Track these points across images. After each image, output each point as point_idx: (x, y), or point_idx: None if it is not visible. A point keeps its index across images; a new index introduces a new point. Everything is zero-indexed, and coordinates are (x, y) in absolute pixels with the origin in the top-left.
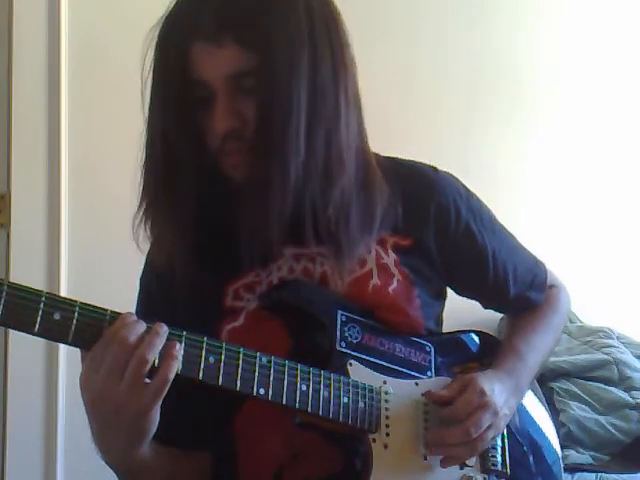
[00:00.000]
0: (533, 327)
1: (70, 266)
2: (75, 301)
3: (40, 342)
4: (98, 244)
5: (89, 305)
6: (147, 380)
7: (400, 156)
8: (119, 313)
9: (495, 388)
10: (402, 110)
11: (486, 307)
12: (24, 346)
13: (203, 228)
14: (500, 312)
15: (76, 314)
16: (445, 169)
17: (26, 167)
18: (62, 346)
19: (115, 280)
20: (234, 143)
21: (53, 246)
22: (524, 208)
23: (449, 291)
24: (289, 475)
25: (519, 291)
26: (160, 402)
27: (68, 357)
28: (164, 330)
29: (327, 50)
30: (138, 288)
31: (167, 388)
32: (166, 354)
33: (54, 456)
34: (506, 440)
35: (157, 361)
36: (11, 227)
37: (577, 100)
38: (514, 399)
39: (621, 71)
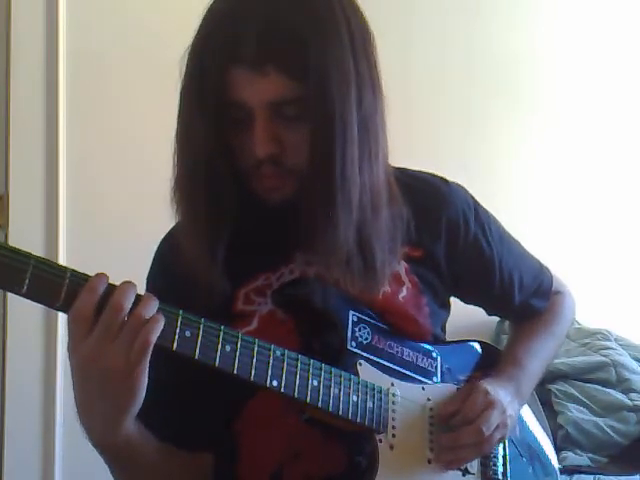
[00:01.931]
0: (534, 335)
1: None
2: (31, 255)
3: (39, 336)
4: (96, 245)
5: (47, 260)
6: None
7: (398, 158)
8: (80, 273)
9: (498, 390)
10: (400, 111)
11: (490, 314)
12: (23, 341)
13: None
14: (504, 318)
15: (31, 266)
16: (442, 169)
17: (24, 168)
18: (60, 340)
19: (114, 280)
20: (270, 167)
21: (51, 247)
22: (522, 209)
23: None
24: (289, 474)
25: (524, 298)
26: (145, 368)
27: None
28: (155, 299)
29: (368, 77)
30: (146, 288)
31: (149, 352)
32: (151, 318)
33: (52, 454)
34: (507, 450)
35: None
36: (9, 228)
37: (574, 100)
38: (516, 402)
39: (618, 71)
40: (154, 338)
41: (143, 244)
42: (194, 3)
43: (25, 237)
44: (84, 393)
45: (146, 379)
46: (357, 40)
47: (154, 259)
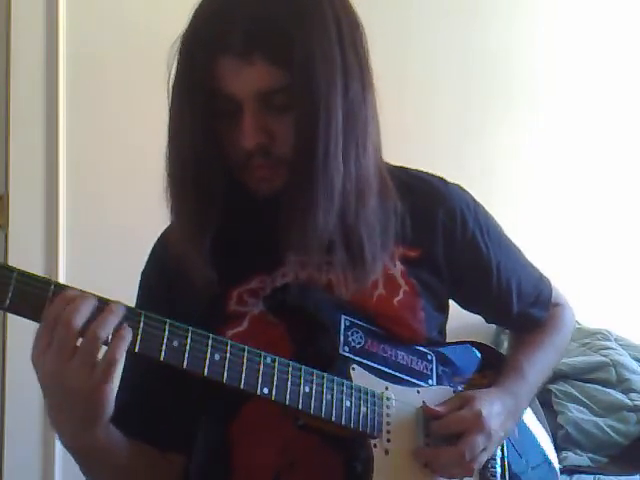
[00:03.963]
0: (537, 346)
1: (68, 267)
2: (14, 268)
3: None
4: (96, 245)
5: (29, 273)
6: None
7: (395, 157)
8: (63, 285)
9: (494, 410)
10: (397, 111)
11: (489, 322)
12: (23, 342)
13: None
14: (503, 327)
15: (13, 280)
16: (440, 170)
17: (24, 168)
18: None
19: (113, 281)
20: (260, 158)
21: (51, 247)
22: (520, 209)
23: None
24: None
25: (522, 307)
26: (111, 383)
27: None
28: (120, 309)
29: (356, 67)
30: (139, 284)
31: (116, 369)
32: (116, 334)
33: (53, 454)
34: (506, 451)
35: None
36: (9, 228)
37: (572, 100)
38: (512, 421)
39: (617, 71)
40: (120, 355)
41: (143, 244)
42: (194, 5)
43: (25, 237)
44: (50, 403)
45: (113, 394)
46: (344, 30)
47: (149, 255)
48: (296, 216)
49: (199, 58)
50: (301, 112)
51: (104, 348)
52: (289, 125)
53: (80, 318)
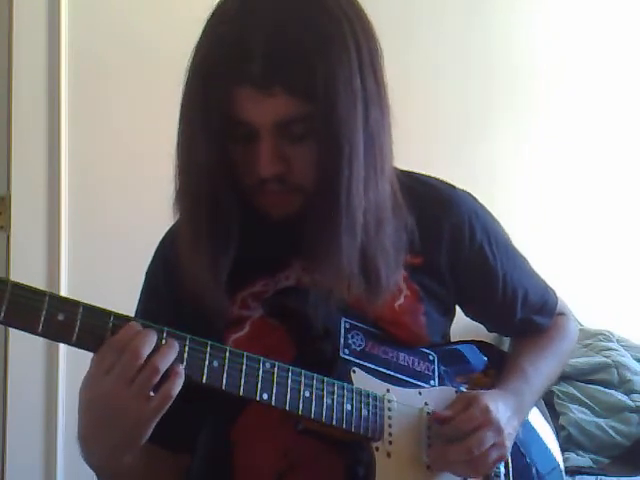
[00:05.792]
0: (541, 350)
1: (70, 269)
2: (78, 302)
3: (40, 339)
4: (98, 247)
5: (93, 306)
6: (151, 394)
7: (396, 159)
8: (123, 316)
9: (499, 406)
10: (398, 111)
11: (491, 331)
12: (24, 343)
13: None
14: (504, 335)
15: (80, 315)
16: (440, 172)
17: (26, 169)
18: (62, 346)
19: (115, 282)
20: (275, 185)
21: (53, 248)
22: (521, 211)
23: None
24: None
25: (526, 314)
26: (159, 418)
27: (68, 354)
28: (176, 345)
29: (375, 93)
30: (144, 283)
31: (169, 404)
32: (172, 370)
33: (54, 454)
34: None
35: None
36: (11, 229)
37: (573, 100)
38: (517, 419)
39: (618, 71)
40: (175, 392)
41: (145, 246)
42: (198, 6)
43: (27, 239)
44: (90, 425)
45: (152, 428)
46: (364, 55)
47: (155, 254)
48: (320, 255)
49: (214, 85)
50: (323, 145)
51: None
52: (307, 154)
53: (147, 348)
